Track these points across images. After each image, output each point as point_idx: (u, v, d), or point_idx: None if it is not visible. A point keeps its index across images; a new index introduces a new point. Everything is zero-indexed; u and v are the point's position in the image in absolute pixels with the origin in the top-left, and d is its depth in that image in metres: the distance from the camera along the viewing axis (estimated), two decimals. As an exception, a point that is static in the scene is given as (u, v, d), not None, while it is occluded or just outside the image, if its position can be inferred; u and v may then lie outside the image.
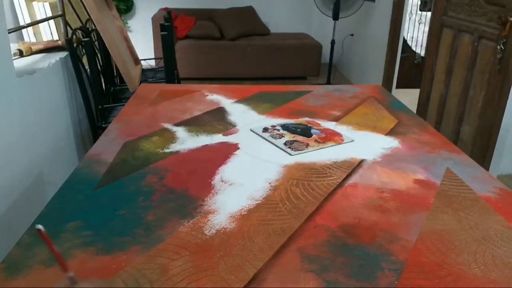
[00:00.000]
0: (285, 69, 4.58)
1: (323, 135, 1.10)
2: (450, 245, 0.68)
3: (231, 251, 0.65)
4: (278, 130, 1.12)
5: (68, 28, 2.11)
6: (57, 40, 2.30)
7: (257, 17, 4.89)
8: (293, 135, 1.09)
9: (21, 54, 1.72)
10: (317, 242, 0.68)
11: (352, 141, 1.07)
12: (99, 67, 2.38)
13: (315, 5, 4.09)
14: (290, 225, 0.72)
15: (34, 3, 2.87)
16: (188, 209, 0.76)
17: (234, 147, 1.02)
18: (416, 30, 4.45)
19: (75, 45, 2.12)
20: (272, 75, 4.54)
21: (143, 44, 4.30)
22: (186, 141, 1.05)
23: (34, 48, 1.80)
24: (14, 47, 1.67)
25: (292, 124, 1.17)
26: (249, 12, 4.85)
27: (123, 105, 1.33)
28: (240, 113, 1.25)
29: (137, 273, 0.60)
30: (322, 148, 1.03)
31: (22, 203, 1.36)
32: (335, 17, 4.06)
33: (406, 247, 0.68)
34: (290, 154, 0.99)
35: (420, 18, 4.46)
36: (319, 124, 1.17)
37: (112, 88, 2.78)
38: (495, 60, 2.17)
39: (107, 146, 1.01)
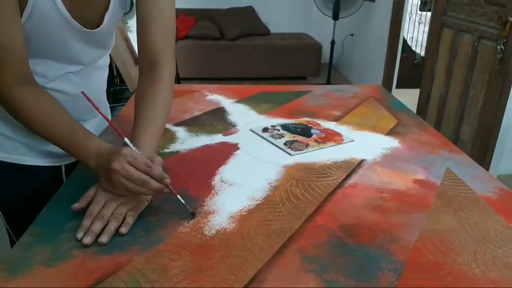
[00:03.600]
0: (285, 69, 4.58)
1: (323, 135, 1.10)
2: (450, 245, 0.68)
3: (231, 251, 0.66)
4: (278, 130, 1.12)
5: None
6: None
7: (257, 17, 4.88)
8: (293, 135, 1.09)
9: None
10: (317, 242, 0.68)
11: (352, 141, 1.07)
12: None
13: (315, 5, 4.08)
14: (290, 226, 0.72)
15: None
16: (188, 209, 0.76)
17: (234, 147, 1.02)
18: (416, 30, 4.45)
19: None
20: (272, 75, 4.54)
21: (143, 44, 4.29)
22: (186, 141, 1.05)
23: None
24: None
25: (292, 124, 1.17)
26: (249, 12, 4.84)
27: (123, 105, 1.33)
28: (240, 113, 1.25)
29: (137, 273, 0.60)
30: (322, 148, 1.03)
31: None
32: (335, 17, 4.06)
33: (406, 247, 0.68)
34: (290, 154, 0.99)
35: (420, 18, 4.47)
36: (319, 124, 1.18)
37: (112, 88, 2.79)
38: (495, 60, 2.17)
39: (107, 146, 1.01)
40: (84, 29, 0.80)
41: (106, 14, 0.83)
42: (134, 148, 0.74)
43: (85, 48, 0.86)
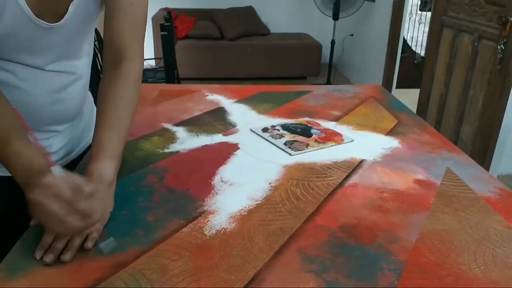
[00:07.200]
0: (285, 69, 4.58)
1: (323, 135, 1.10)
2: (450, 245, 0.68)
3: (231, 251, 0.66)
4: (278, 130, 1.12)
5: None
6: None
7: (257, 17, 4.88)
8: (293, 135, 1.09)
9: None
10: (317, 242, 0.68)
11: (352, 141, 1.07)
12: (99, 67, 2.38)
13: (315, 5, 4.09)
14: (290, 225, 0.72)
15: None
16: (188, 209, 0.76)
17: (234, 147, 1.02)
18: (416, 30, 4.45)
19: (75, 45, 2.10)
20: (272, 75, 4.54)
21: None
22: (186, 141, 1.05)
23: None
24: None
25: (292, 124, 1.17)
26: (249, 12, 4.85)
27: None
28: (240, 113, 1.25)
29: (137, 273, 0.60)
30: (322, 148, 1.03)
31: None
32: (335, 17, 4.06)
33: (406, 247, 0.68)
34: (290, 154, 0.99)
35: (420, 18, 4.46)
36: (319, 124, 1.18)
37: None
38: (495, 60, 2.17)
39: (107, 146, 1.01)
40: (44, 22, 0.71)
41: (71, 5, 0.75)
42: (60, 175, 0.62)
43: (54, 48, 0.78)
